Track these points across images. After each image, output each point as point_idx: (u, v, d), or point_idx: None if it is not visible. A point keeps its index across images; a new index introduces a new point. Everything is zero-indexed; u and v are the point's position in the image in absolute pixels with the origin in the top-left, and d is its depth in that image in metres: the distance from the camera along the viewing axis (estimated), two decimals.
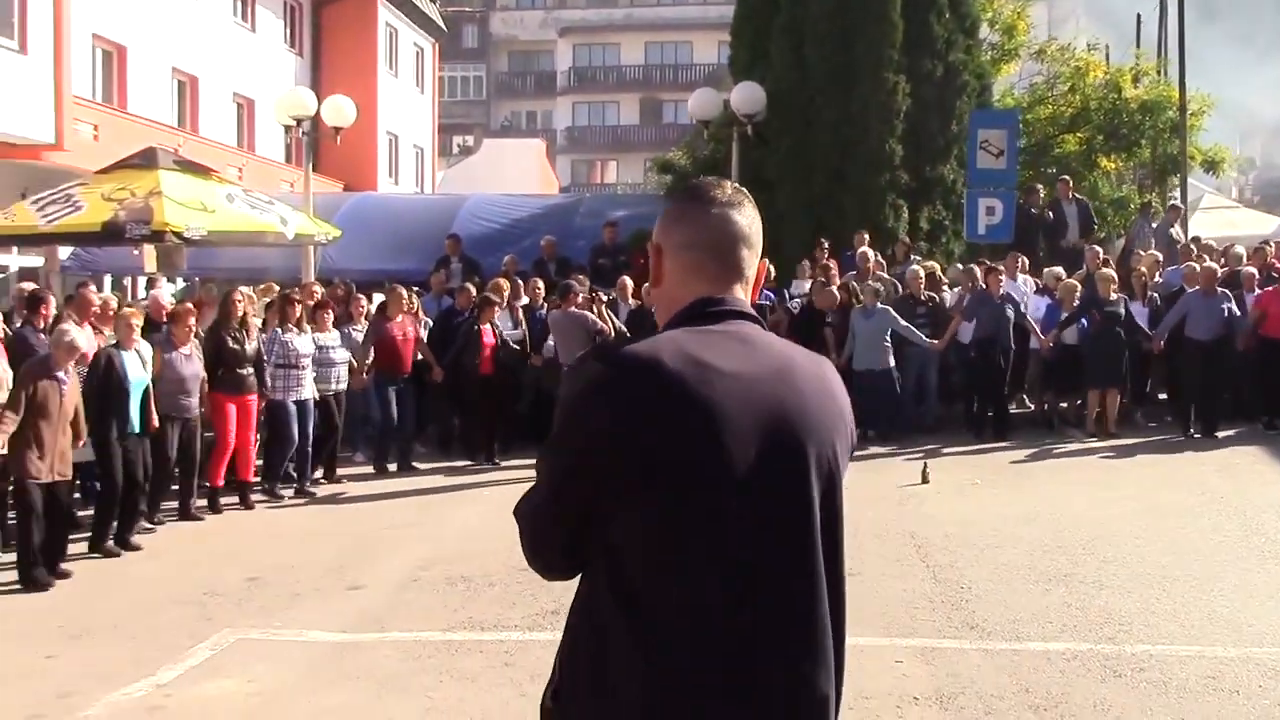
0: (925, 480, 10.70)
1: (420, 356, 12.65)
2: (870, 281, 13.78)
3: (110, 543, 8.64)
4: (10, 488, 7.98)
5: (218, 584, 7.59)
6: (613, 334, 13.05)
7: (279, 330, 10.93)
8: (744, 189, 2.29)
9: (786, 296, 14.59)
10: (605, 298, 13.66)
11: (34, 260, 18.87)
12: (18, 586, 7.69)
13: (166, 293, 14.69)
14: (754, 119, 17.38)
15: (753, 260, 2.22)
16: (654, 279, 2.26)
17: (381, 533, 9.34)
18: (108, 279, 19.82)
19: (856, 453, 9.20)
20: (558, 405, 2.11)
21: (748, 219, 2.23)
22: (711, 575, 1.99)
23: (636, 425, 1.98)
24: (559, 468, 2.07)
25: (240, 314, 10.48)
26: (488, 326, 12.59)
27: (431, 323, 13.63)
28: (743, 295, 2.20)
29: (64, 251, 18.23)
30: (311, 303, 11.97)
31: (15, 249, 18.47)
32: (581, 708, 2.04)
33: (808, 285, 14.41)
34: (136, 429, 8.79)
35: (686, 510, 1.99)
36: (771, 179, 17.56)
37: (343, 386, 11.61)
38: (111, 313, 9.90)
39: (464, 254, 16.61)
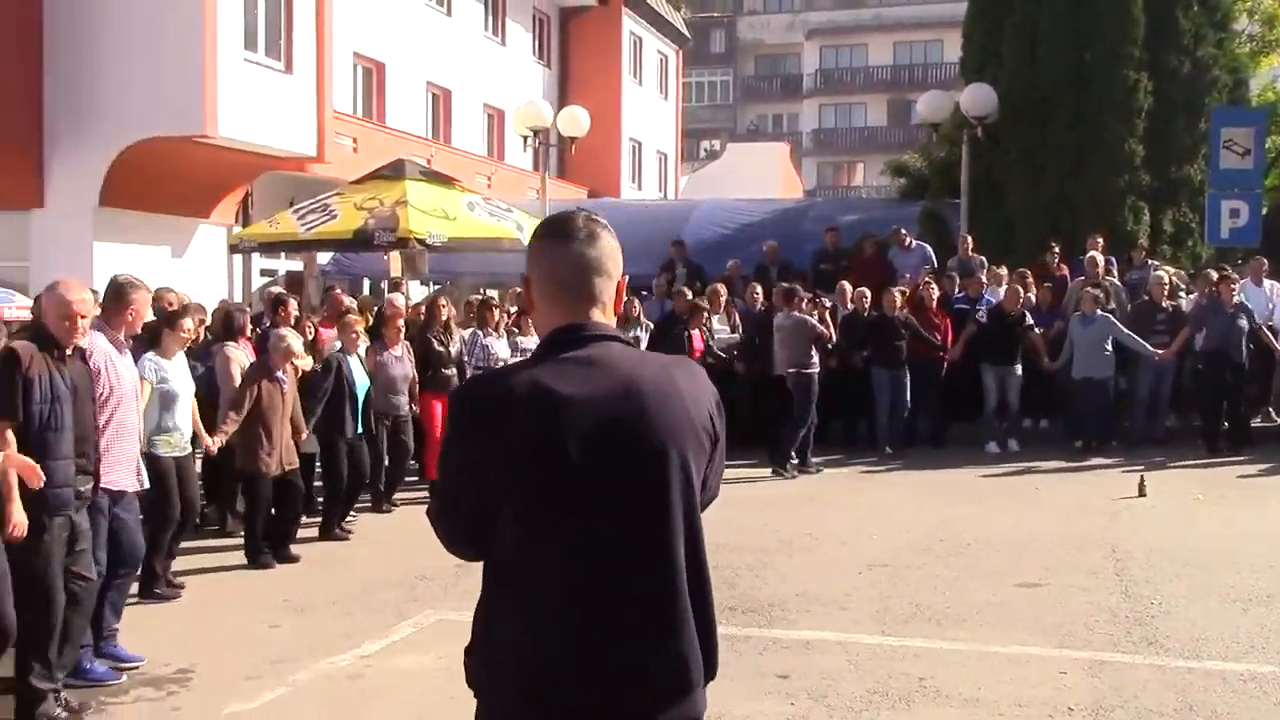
0: (1142, 494, 10.36)
1: None
2: (1090, 289, 13.35)
3: (336, 530, 9.37)
4: (241, 481, 8.75)
5: (428, 569, 8.14)
6: (832, 339, 13.14)
7: (479, 333, 11.49)
8: (599, 219, 2.55)
9: (985, 303, 14.26)
10: (828, 303, 13.74)
11: (298, 264, 20.35)
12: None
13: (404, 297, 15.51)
14: (984, 120, 17.08)
15: (607, 286, 2.48)
16: (527, 307, 2.63)
17: None
18: (366, 282, 21.22)
19: (1074, 463, 9.17)
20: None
21: (599, 251, 2.47)
22: (560, 563, 2.33)
23: (479, 439, 2.37)
24: (451, 462, 2.47)
25: (444, 318, 11.10)
26: (696, 332, 12.87)
27: (652, 326, 14.08)
28: (600, 318, 2.47)
29: (324, 256, 19.64)
30: (514, 308, 12.51)
31: (282, 254, 20.01)
32: (479, 660, 2.42)
33: (1002, 291, 14.07)
34: (358, 429, 9.47)
35: (539, 515, 2.35)
36: (1002, 181, 17.23)
37: None
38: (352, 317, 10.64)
39: (688, 259, 16.98)
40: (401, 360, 10.32)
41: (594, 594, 2.32)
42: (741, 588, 7.68)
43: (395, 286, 16.47)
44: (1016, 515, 9.96)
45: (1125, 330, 12.89)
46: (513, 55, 30.25)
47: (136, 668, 6.16)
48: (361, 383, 9.57)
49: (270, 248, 17.34)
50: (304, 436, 8.97)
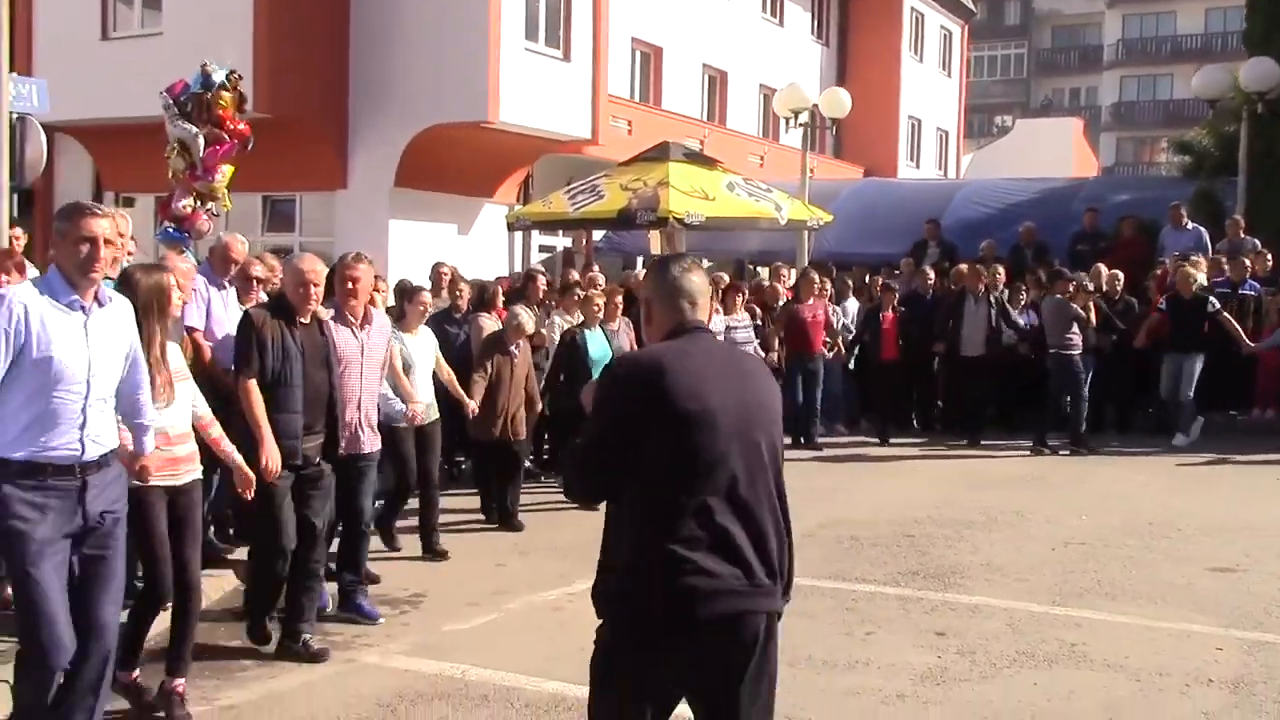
0: None
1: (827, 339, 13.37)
2: None
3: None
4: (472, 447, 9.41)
5: None
6: (1093, 323, 13.00)
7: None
8: (698, 261, 3.46)
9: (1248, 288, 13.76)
10: (1090, 287, 13.54)
11: (570, 242, 21.58)
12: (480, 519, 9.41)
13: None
14: (1265, 96, 16.32)
15: (704, 302, 3.39)
16: (646, 320, 3.43)
17: (800, 491, 10.28)
18: (639, 259, 22.24)
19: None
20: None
21: (698, 278, 3.39)
22: (706, 480, 3.10)
23: (630, 398, 3.15)
24: (606, 423, 3.17)
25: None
26: (888, 313, 13.12)
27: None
28: (701, 318, 3.36)
29: (600, 233, 20.71)
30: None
31: (559, 231, 21.27)
32: (603, 576, 3.21)
33: None
34: None
35: (689, 446, 3.10)
36: None
37: None
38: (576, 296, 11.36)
39: (942, 238, 17.03)
40: (619, 334, 10.70)
41: (699, 514, 3.08)
42: (932, 555, 8.04)
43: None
44: (1243, 504, 9.79)
45: None
46: (790, 35, 30.56)
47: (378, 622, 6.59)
48: (599, 355, 10.20)
49: (543, 225, 18.57)
50: (538, 409, 9.62)
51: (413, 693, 5.43)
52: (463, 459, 10.85)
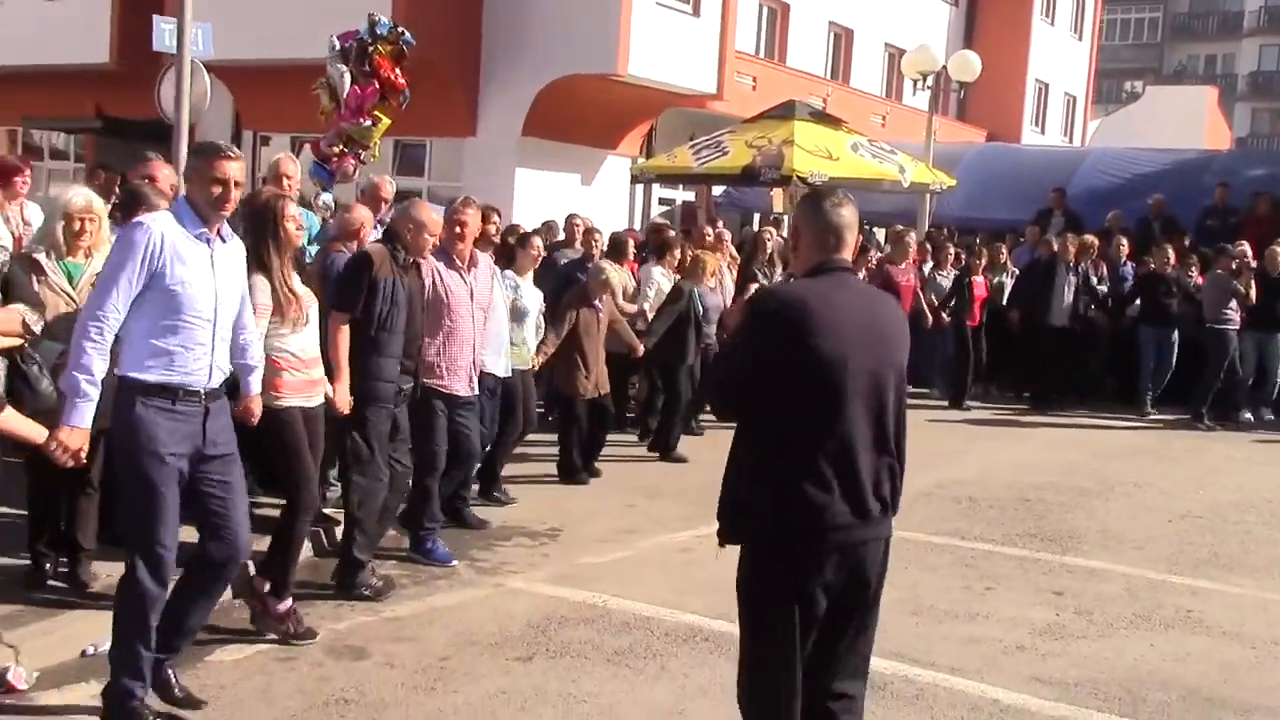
0: None
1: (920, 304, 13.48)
2: None
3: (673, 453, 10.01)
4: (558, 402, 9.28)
5: None
6: (1252, 299, 12.91)
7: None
8: (848, 196, 3.60)
9: None
10: (1252, 262, 13.41)
11: (691, 196, 21.83)
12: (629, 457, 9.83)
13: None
14: None
15: (851, 238, 3.57)
16: (792, 248, 3.64)
17: (918, 453, 10.51)
18: (756, 216, 22.41)
19: None
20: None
21: (848, 212, 3.57)
22: (831, 416, 3.38)
23: (771, 334, 3.41)
24: (748, 352, 3.46)
25: (768, 251, 11.79)
26: (979, 279, 13.47)
27: (1018, 272, 14.47)
28: (845, 256, 3.57)
29: (719, 189, 20.91)
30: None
31: (680, 185, 21.53)
32: (736, 499, 3.50)
33: None
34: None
35: (819, 383, 3.38)
36: None
37: None
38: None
39: (1068, 207, 16.92)
40: (715, 291, 10.84)
41: (834, 443, 3.37)
42: (1049, 520, 8.25)
43: (776, 222, 17.48)
44: None
45: None
46: None
47: (453, 568, 6.67)
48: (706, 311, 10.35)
49: (666, 179, 18.86)
50: (637, 353, 9.73)
51: (559, 617, 5.84)
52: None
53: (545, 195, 19.09)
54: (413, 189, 20.17)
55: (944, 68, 20.16)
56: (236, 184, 4.38)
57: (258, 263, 5.22)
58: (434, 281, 6.64)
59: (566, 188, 20.10)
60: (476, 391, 6.98)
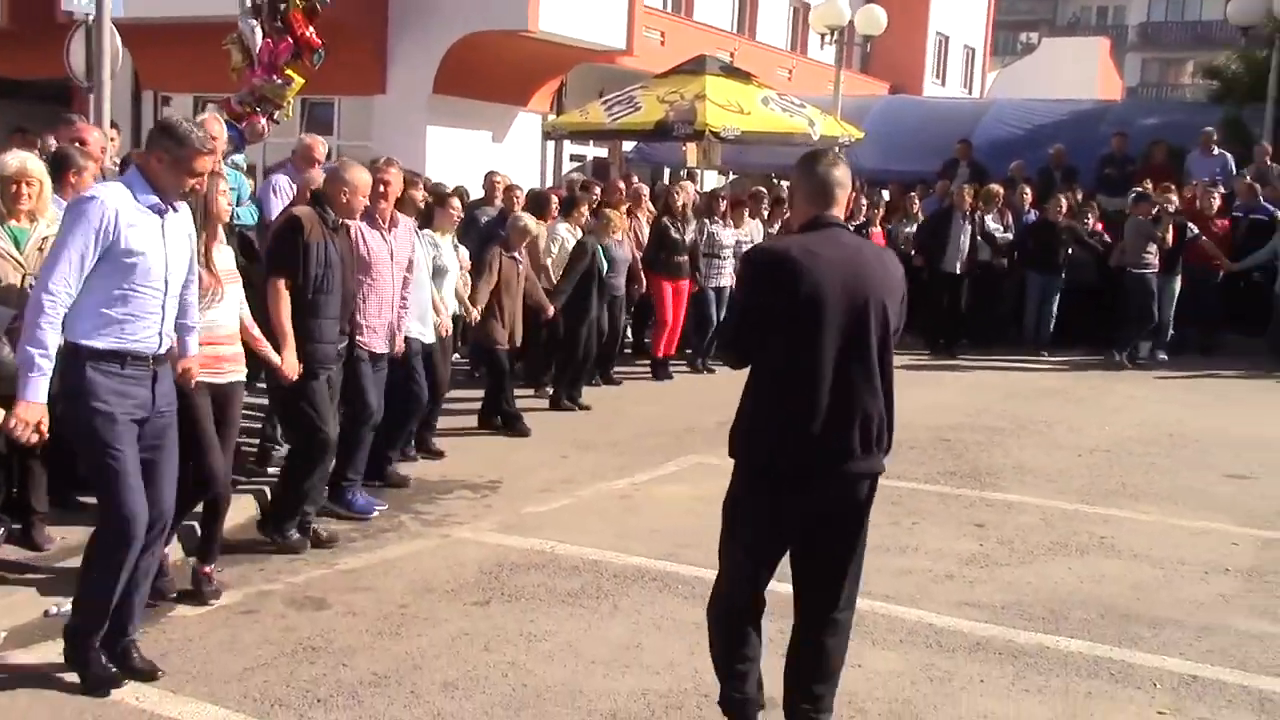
0: None
1: None
2: None
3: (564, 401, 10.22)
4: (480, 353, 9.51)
5: (695, 423, 9.46)
6: (1169, 244, 13.39)
7: (706, 221, 12.29)
8: (841, 156, 3.89)
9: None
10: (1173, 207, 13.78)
11: (602, 151, 21.90)
12: (545, 408, 10.02)
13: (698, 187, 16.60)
14: None
15: (843, 195, 3.88)
16: (790, 205, 3.90)
17: None
18: (666, 170, 22.59)
19: None
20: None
21: (841, 172, 3.88)
22: (815, 361, 3.70)
23: (764, 285, 3.68)
24: (744, 303, 3.78)
25: (681, 206, 12.01)
26: (876, 229, 14.17)
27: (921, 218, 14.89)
28: (837, 213, 3.86)
29: (629, 144, 21.01)
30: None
31: (590, 142, 21.58)
32: (743, 428, 3.85)
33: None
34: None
35: (804, 330, 3.65)
36: None
37: None
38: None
39: (973, 158, 17.38)
40: (623, 244, 10.99)
41: (821, 383, 3.70)
42: (967, 458, 8.63)
43: (690, 176, 17.68)
44: (1258, 418, 10.39)
45: None
46: None
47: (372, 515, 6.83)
48: (603, 265, 10.43)
49: (579, 135, 18.93)
50: (548, 314, 9.78)
51: (509, 563, 6.03)
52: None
53: (457, 153, 19.06)
54: None
55: (850, 22, 20.37)
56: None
57: None
58: (362, 241, 6.66)
59: (478, 145, 20.07)
60: (401, 349, 7.04)
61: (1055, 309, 14.17)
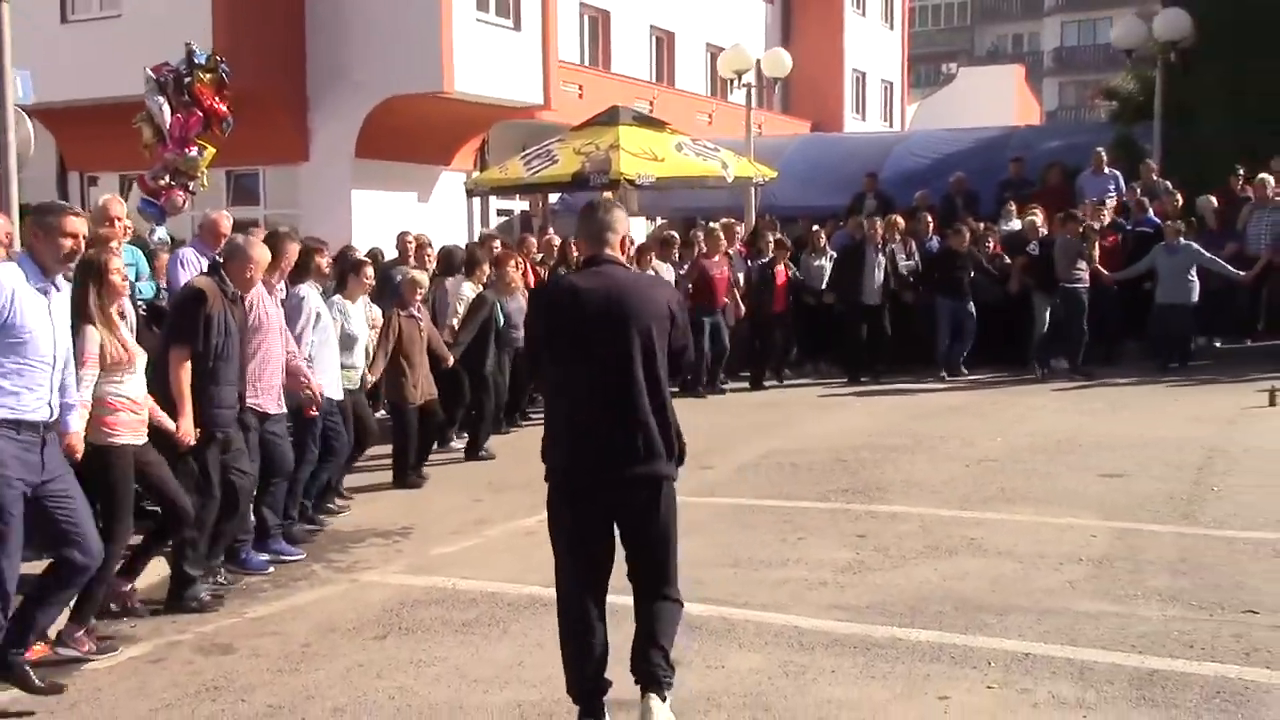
0: (1273, 403, 11.07)
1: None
2: (1171, 222, 14.25)
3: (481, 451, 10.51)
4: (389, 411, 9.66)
5: None
6: (1095, 259, 14.04)
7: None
8: (616, 202, 4.53)
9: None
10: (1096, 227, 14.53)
11: (527, 205, 22.37)
12: (462, 458, 10.36)
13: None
14: (1178, 45, 17.36)
15: (615, 238, 4.51)
16: (576, 247, 4.50)
17: (741, 428, 11.35)
18: None
19: (1203, 376, 10.49)
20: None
21: (613, 218, 4.53)
22: (579, 378, 4.38)
23: (542, 317, 4.37)
24: (529, 337, 4.56)
25: (574, 256, 12.32)
26: (780, 267, 14.55)
27: (834, 254, 15.38)
28: (610, 252, 4.48)
29: (555, 196, 21.49)
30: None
31: (516, 196, 22.04)
32: (544, 440, 4.52)
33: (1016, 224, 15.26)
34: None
35: (566, 357, 4.40)
36: (1195, 107, 17.44)
37: None
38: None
39: (879, 190, 18.00)
40: (516, 297, 11.10)
41: (593, 400, 4.32)
42: (862, 475, 9.07)
43: None
44: (1144, 421, 10.91)
45: (1210, 256, 13.79)
46: None
47: (300, 560, 7.25)
48: (501, 321, 10.79)
49: (501, 191, 19.40)
50: (447, 363, 9.89)
51: (411, 600, 6.38)
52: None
53: (383, 215, 19.42)
54: (249, 218, 20.32)
55: (758, 64, 20.98)
56: (84, 237, 4.97)
57: (85, 314, 5.63)
58: (257, 304, 6.97)
59: (404, 206, 20.48)
60: (284, 409, 7.29)
61: (972, 331, 14.52)
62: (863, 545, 7.11)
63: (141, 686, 5.23)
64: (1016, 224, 15.36)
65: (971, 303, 14.42)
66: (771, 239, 15.31)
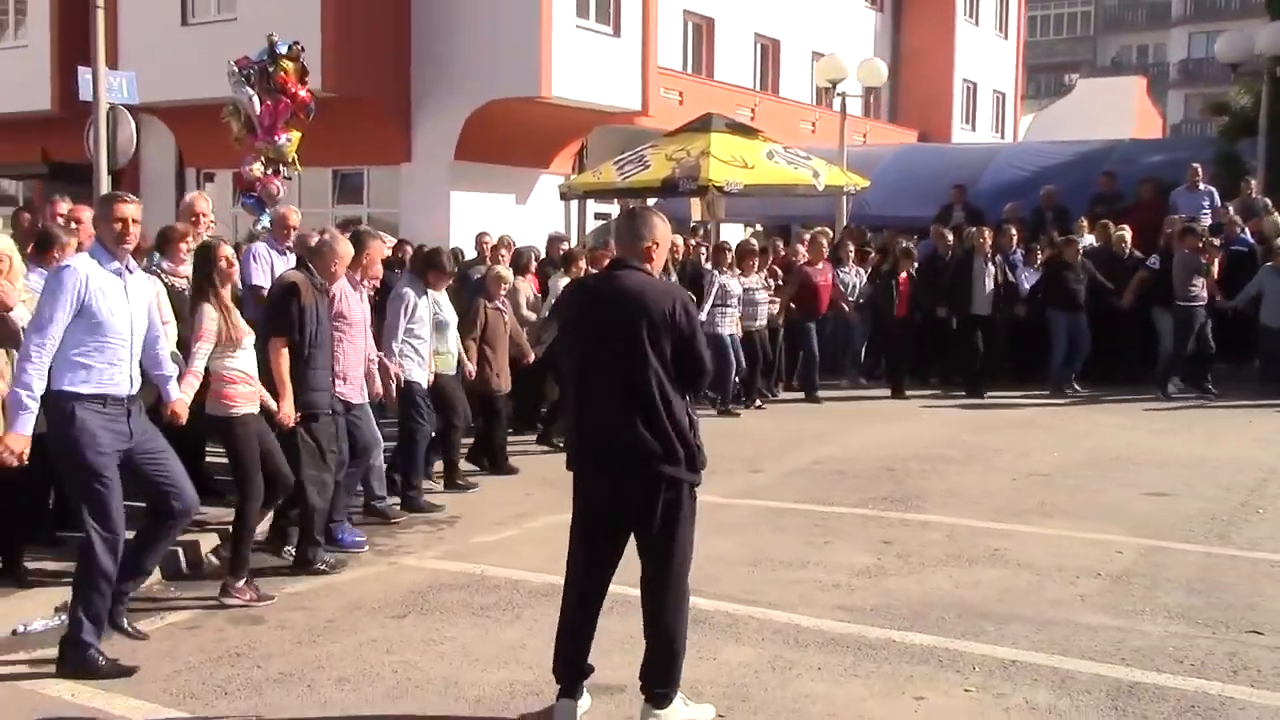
0: None
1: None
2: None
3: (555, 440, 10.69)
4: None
5: None
6: (1215, 276, 13.78)
7: (715, 272, 12.99)
8: (649, 210, 4.75)
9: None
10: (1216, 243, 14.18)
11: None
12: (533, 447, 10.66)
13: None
14: None
15: (638, 244, 4.64)
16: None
17: (803, 435, 11.44)
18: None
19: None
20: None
21: (635, 226, 4.70)
22: (582, 371, 4.65)
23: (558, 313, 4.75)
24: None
25: (671, 259, 12.67)
26: (903, 275, 14.62)
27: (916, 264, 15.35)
28: (629, 258, 4.65)
29: (652, 200, 21.74)
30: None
31: (614, 200, 22.38)
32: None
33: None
34: None
35: (575, 352, 4.62)
36: None
37: (763, 323, 13.47)
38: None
39: (968, 202, 17.89)
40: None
41: (593, 394, 4.57)
42: (906, 484, 9.13)
43: (694, 230, 18.37)
44: (1209, 441, 10.76)
45: None
46: (843, 1, 31.13)
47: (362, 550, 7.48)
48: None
49: (593, 194, 19.75)
50: (530, 360, 10.36)
51: (439, 584, 6.67)
52: None
53: (481, 216, 19.85)
54: (353, 216, 21.10)
55: (843, 76, 20.94)
56: (134, 221, 5.38)
57: (202, 294, 6.41)
58: (342, 301, 7.46)
59: (501, 208, 20.95)
60: (366, 400, 7.78)
61: (1088, 345, 14.26)
62: (886, 551, 7.20)
63: (171, 650, 5.60)
64: (1089, 239, 15.14)
65: (1085, 316, 14.18)
66: (852, 248, 15.38)
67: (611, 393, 4.51)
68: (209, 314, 6.31)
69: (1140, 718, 4.65)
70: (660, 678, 4.60)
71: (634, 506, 4.55)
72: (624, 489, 4.54)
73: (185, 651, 5.58)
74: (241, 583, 6.36)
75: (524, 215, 21.23)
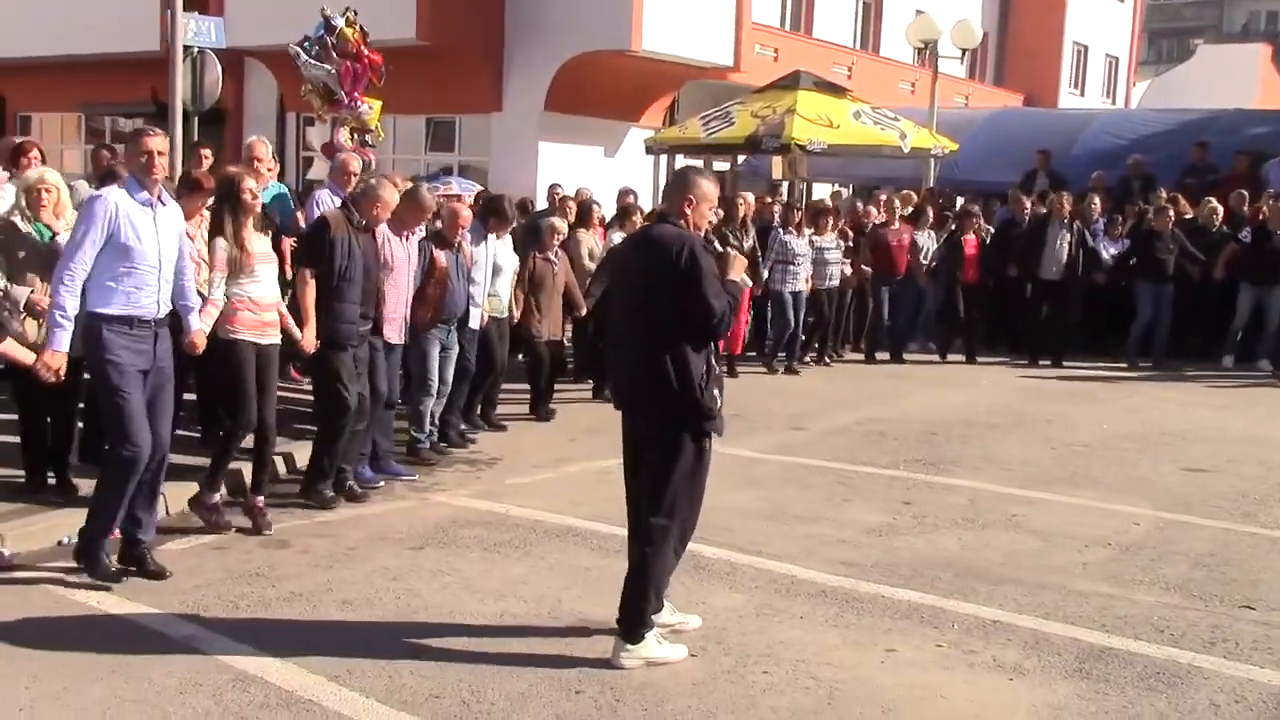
0: None
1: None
2: None
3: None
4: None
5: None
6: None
7: (780, 230, 13.03)
8: (691, 167, 5.14)
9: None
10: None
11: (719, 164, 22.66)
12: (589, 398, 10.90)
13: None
14: None
15: (675, 200, 4.86)
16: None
17: (857, 396, 11.51)
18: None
19: None
20: None
21: (685, 182, 4.89)
22: (614, 317, 5.17)
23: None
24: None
25: (741, 215, 12.77)
26: (969, 237, 14.45)
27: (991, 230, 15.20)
28: (666, 213, 4.92)
29: (743, 156, 21.73)
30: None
31: (703, 156, 22.41)
32: None
33: None
34: None
35: (613, 297, 5.11)
36: None
37: (834, 284, 13.50)
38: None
39: (1052, 168, 17.60)
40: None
41: (616, 334, 5.11)
42: (944, 449, 9.18)
43: (774, 188, 18.38)
44: (1265, 420, 10.58)
45: None
46: None
47: (414, 479, 7.92)
48: None
49: (679, 149, 19.83)
50: (582, 312, 10.55)
51: (462, 520, 6.95)
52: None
53: (568, 167, 20.10)
54: (445, 163, 21.50)
55: (936, 36, 20.64)
56: (160, 153, 5.69)
57: (218, 227, 6.59)
58: (385, 245, 7.69)
59: (589, 160, 21.14)
60: (404, 341, 8.01)
61: (1169, 319, 14.00)
62: (903, 512, 7.29)
63: (196, 567, 5.96)
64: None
65: (1171, 288, 13.92)
66: (931, 212, 15.26)
67: (625, 335, 4.89)
68: (220, 245, 6.50)
69: (1103, 680, 4.73)
70: (627, 612, 4.80)
71: (638, 438, 4.91)
72: (635, 425, 4.92)
73: (209, 569, 5.94)
74: (213, 500, 6.63)
75: (612, 168, 21.37)
